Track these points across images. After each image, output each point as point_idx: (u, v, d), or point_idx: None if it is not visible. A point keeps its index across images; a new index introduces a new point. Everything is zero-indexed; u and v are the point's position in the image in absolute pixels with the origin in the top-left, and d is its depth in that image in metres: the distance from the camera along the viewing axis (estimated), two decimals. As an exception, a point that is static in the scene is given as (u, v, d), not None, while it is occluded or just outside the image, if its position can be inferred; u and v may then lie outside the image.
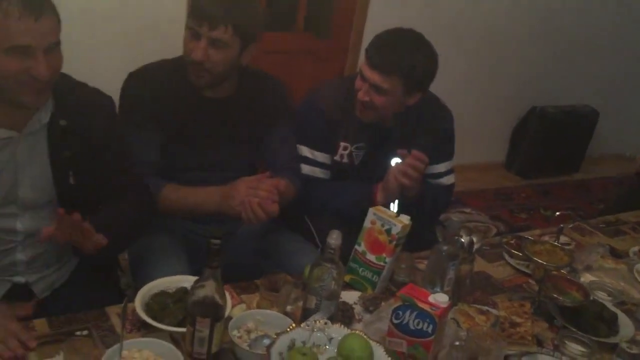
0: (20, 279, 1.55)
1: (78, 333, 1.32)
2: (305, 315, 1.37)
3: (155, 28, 3.08)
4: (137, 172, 1.66)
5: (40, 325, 1.34)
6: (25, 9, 1.27)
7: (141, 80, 1.79)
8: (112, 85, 1.69)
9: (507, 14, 4.13)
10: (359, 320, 1.48)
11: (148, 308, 1.38)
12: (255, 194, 1.64)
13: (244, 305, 1.48)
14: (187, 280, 1.46)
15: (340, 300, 1.44)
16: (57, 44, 1.36)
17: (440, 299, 1.29)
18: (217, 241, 1.20)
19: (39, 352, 1.26)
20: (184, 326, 1.27)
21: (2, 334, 1.27)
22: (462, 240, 1.62)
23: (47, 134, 1.47)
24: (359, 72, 1.89)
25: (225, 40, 1.68)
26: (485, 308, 1.58)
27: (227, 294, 1.33)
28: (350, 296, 1.55)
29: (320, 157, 1.97)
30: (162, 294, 1.43)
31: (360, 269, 1.62)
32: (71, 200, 1.51)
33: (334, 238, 1.34)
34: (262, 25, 1.80)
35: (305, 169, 1.96)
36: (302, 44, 3.51)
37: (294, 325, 1.27)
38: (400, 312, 1.30)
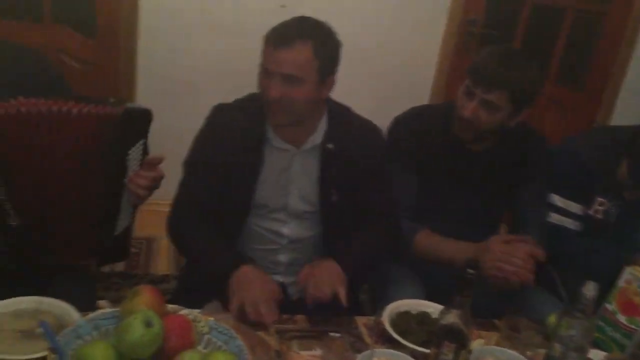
0: (278, 279, 1.76)
1: (332, 334, 1.47)
2: (548, 363, 1.35)
3: (407, 69, 3.28)
4: (396, 209, 1.78)
5: (301, 320, 1.52)
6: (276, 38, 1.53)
7: (407, 125, 1.90)
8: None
9: None
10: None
11: (393, 324, 1.48)
12: (511, 261, 1.65)
13: (482, 340, 1.51)
14: (428, 306, 1.56)
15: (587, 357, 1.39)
16: (293, 76, 1.53)
17: None
18: (473, 271, 1.25)
19: (298, 343, 1.43)
20: (426, 346, 1.35)
21: (256, 298, 1.45)
22: None
23: (319, 153, 1.68)
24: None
25: (498, 104, 1.72)
26: None
27: (471, 325, 1.37)
28: (595, 354, 1.48)
29: (573, 207, 1.92)
30: (406, 314, 1.53)
31: (609, 329, 1.55)
32: (332, 215, 1.71)
33: (590, 290, 1.31)
34: (538, 92, 1.81)
35: (554, 217, 1.92)
36: (552, 95, 3.43)
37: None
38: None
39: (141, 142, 1.56)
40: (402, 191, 1.83)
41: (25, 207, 1.50)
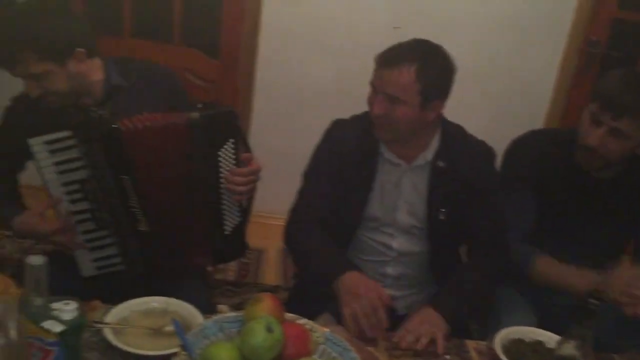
0: (386, 292, 1.79)
1: (444, 356, 1.47)
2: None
3: (522, 90, 3.19)
4: (507, 234, 1.75)
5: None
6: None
7: (526, 147, 1.86)
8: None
9: None
10: None
11: (506, 351, 1.45)
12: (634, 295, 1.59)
13: (600, 375, 1.45)
14: (542, 334, 1.51)
15: None
16: (394, 97, 1.57)
17: None
18: (597, 302, 1.21)
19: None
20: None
21: (367, 309, 1.47)
22: None
23: (429, 170, 1.69)
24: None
25: (628, 132, 1.64)
26: None
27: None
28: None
29: None
30: (519, 341, 1.49)
31: None
32: (439, 232, 1.71)
33: None
34: None
35: None
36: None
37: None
38: None
39: (230, 141, 1.62)
40: (519, 214, 1.79)
41: (153, 214, 1.64)
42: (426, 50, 1.60)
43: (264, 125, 3.27)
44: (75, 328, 1.01)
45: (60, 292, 1.27)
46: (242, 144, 1.65)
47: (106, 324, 1.36)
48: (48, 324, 0.99)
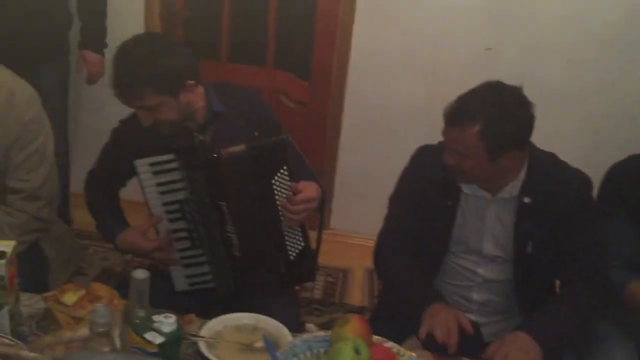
0: (471, 317, 1.74)
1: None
2: None
3: (624, 113, 3.04)
4: (607, 265, 1.68)
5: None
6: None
7: (625, 171, 1.80)
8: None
9: None
10: None
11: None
12: None
13: None
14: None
15: None
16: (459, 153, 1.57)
17: None
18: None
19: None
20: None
21: (447, 322, 1.49)
22: None
23: (515, 204, 1.65)
24: None
25: None
26: None
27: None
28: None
29: None
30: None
31: None
32: (526, 264, 1.67)
33: None
34: None
35: None
36: None
37: None
38: None
39: (282, 169, 1.69)
40: (618, 240, 1.72)
41: (244, 239, 1.72)
42: (493, 103, 1.54)
43: (353, 146, 3.30)
44: (174, 340, 1.07)
45: (157, 304, 1.37)
46: (296, 170, 1.71)
47: (201, 337, 1.42)
48: (149, 335, 1.05)
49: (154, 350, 1.05)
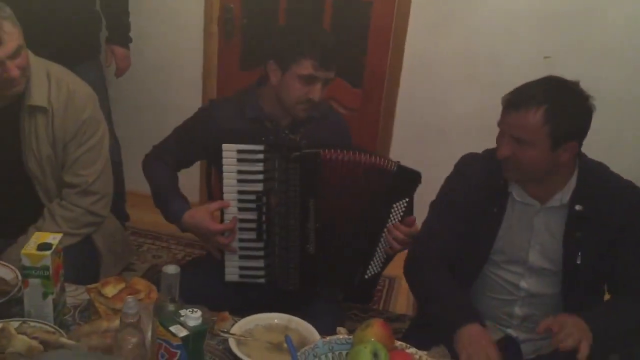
0: (512, 333, 1.72)
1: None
2: None
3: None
4: None
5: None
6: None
7: None
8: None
9: None
10: None
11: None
12: None
13: None
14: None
15: None
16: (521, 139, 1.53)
17: None
18: None
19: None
20: None
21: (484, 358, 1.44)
22: None
23: (566, 213, 1.61)
24: None
25: None
26: None
27: None
28: None
29: None
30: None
31: None
32: (574, 277, 1.61)
33: None
34: None
35: None
36: None
37: None
38: None
39: (405, 200, 1.73)
40: None
41: (323, 238, 1.76)
42: (557, 89, 1.54)
43: (403, 156, 3.25)
44: (198, 334, 1.10)
45: (200, 298, 1.41)
46: (411, 206, 1.76)
47: (231, 334, 1.46)
48: (174, 328, 1.09)
49: (178, 342, 1.09)
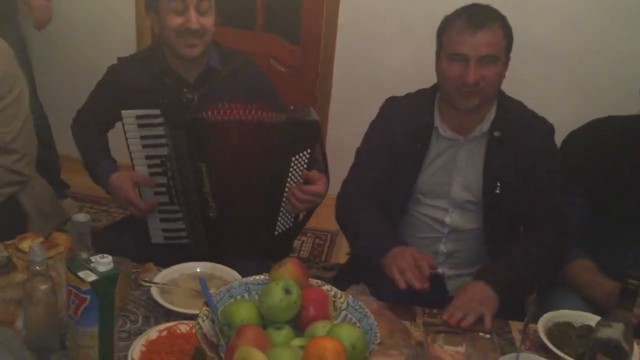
0: (438, 271, 1.75)
1: (481, 334, 1.43)
2: None
3: (618, 76, 2.96)
4: (567, 216, 1.68)
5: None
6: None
7: (581, 140, 1.77)
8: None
9: None
10: None
11: (549, 333, 1.39)
12: None
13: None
14: (592, 319, 1.42)
15: None
16: (492, 56, 1.55)
17: None
18: (636, 282, 1.14)
19: (444, 338, 1.42)
20: (581, 361, 1.25)
21: (408, 264, 1.47)
22: None
23: (485, 142, 1.66)
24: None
25: None
26: None
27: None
28: None
29: None
30: (567, 324, 1.43)
31: None
32: (494, 207, 1.67)
33: None
34: None
35: None
36: None
37: None
38: None
39: (306, 151, 1.69)
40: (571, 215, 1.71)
41: (222, 202, 1.73)
42: (493, 8, 1.60)
43: (342, 111, 3.29)
44: (108, 279, 1.09)
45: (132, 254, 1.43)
46: (316, 157, 1.71)
47: (154, 282, 1.46)
48: (83, 274, 1.08)
49: (87, 288, 1.08)
